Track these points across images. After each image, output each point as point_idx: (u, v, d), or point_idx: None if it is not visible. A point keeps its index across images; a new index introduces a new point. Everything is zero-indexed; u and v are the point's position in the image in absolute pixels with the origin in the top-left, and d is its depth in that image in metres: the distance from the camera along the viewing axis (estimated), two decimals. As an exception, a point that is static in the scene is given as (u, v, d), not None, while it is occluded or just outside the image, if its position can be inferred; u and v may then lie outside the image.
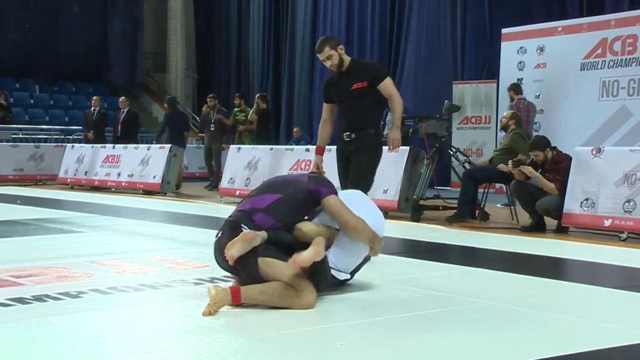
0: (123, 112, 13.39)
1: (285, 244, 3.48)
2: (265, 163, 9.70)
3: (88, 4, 19.98)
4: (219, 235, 3.63)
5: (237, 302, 3.33)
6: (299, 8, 17.44)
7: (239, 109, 12.61)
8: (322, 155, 5.01)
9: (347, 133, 4.82)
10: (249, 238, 3.38)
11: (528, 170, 6.62)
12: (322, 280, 3.52)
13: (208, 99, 12.56)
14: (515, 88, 9.85)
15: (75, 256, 4.96)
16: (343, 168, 4.95)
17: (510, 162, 6.84)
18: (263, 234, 3.44)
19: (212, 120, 12.31)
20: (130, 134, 13.16)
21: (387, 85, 4.81)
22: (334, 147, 5.15)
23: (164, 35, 20.94)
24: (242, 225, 3.51)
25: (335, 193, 3.61)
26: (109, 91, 20.30)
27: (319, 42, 4.83)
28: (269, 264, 3.38)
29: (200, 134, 16.37)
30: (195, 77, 21.01)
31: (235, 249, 3.38)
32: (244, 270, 3.47)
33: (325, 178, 3.75)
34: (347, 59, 4.82)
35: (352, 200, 3.72)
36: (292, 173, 3.87)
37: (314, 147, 5.25)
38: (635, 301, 3.82)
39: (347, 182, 4.83)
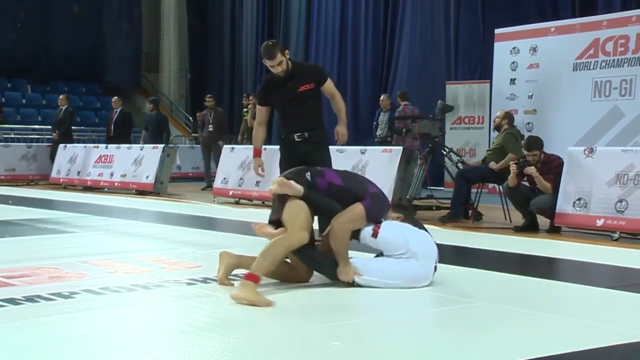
0: (116, 112, 13.34)
1: (319, 207, 3.94)
2: (259, 163, 9.67)
3: (82, 4, 19.88)
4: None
5: (255, 280, 3.56)
6: (293, 8, 17.43)
7: (246, 109, 12.59)
8: (261, 157, 5.13)
9: (299, 133, 4.88)
10: (283, 183, 3.87)
11: (532, 170, 6.56)
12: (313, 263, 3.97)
13: (206, 99, 12.57)
14: (403, 95, 11.19)
15: (67, 256, 4.94)
16: (293, 167, 5.03)
17: (513, 165, 6.72)
18: (299, 190, 3.85)
19: (211, 121, 12.33)
20: (123, 134, 13.13)
21: (331, 85, 4.97)
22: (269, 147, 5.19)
23: (157, 36, 20.88)
24: (307, 172, 3.98)
25: (368, 210, 3.93)
26: (102, 91, 20.23)
27: (268, 48, 4.70)
28: (292, 202, 3.81)
29: (194, 134, 16.34)
30: (189, 77, 20.95)
31: (274, 187, 3.90)
32: (278, 198, 3.90)
33: (385, 200, 4.16)
34: (289, 63, 4.83)
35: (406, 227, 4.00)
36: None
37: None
38: (627, 301, 3.83)
39: None
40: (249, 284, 3.54)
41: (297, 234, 3.73)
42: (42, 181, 13.59)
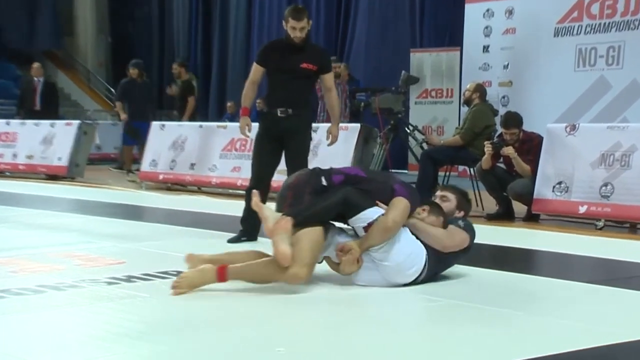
0: (39, 81, 12.97)
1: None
2: (194, 142, 9.61)
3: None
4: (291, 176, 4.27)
5: (222, 279, 3.70)
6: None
7: (179, 79, 12.39)
8: (249, 116, 5.53)
9: (283, 109, 5.33)
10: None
11: (509, 151, 6.62)
12: None
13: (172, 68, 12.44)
14: None
15: (-40, 253, 4.81)
16: (269, 143, 5.42)
17: (488, 144, 6.77)
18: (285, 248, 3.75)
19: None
20: (50, 107, 12.78)
21: (331, 78, 5.54)
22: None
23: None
24: (322, 177, 4.06)
25: (410, 200, 4.07)
26: (3, 57, 19.70)
27: (298, 10, 5.29)
28: (311, 231, 3.81)
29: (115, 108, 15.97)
30: (109, 42, 20.63)
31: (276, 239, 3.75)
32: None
33: (413, 188, 4.38)
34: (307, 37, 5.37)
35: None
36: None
37: (255, 124, 5.65)
38: (614, 297, 3.92)
39: (287, 164, 5.39)
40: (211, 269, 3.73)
41: (296, 273, 3.71)
42: None
